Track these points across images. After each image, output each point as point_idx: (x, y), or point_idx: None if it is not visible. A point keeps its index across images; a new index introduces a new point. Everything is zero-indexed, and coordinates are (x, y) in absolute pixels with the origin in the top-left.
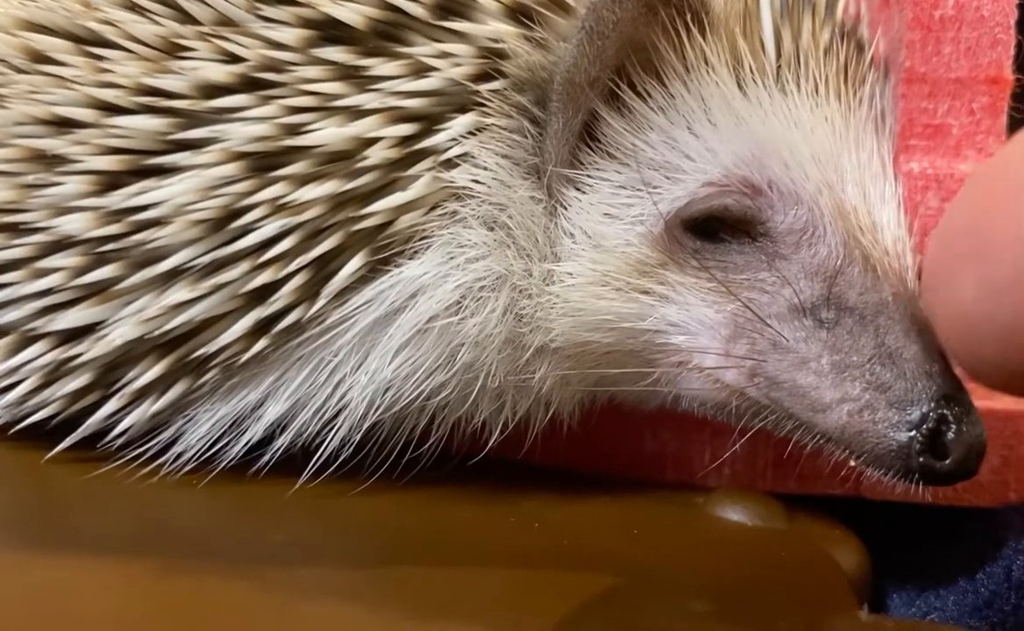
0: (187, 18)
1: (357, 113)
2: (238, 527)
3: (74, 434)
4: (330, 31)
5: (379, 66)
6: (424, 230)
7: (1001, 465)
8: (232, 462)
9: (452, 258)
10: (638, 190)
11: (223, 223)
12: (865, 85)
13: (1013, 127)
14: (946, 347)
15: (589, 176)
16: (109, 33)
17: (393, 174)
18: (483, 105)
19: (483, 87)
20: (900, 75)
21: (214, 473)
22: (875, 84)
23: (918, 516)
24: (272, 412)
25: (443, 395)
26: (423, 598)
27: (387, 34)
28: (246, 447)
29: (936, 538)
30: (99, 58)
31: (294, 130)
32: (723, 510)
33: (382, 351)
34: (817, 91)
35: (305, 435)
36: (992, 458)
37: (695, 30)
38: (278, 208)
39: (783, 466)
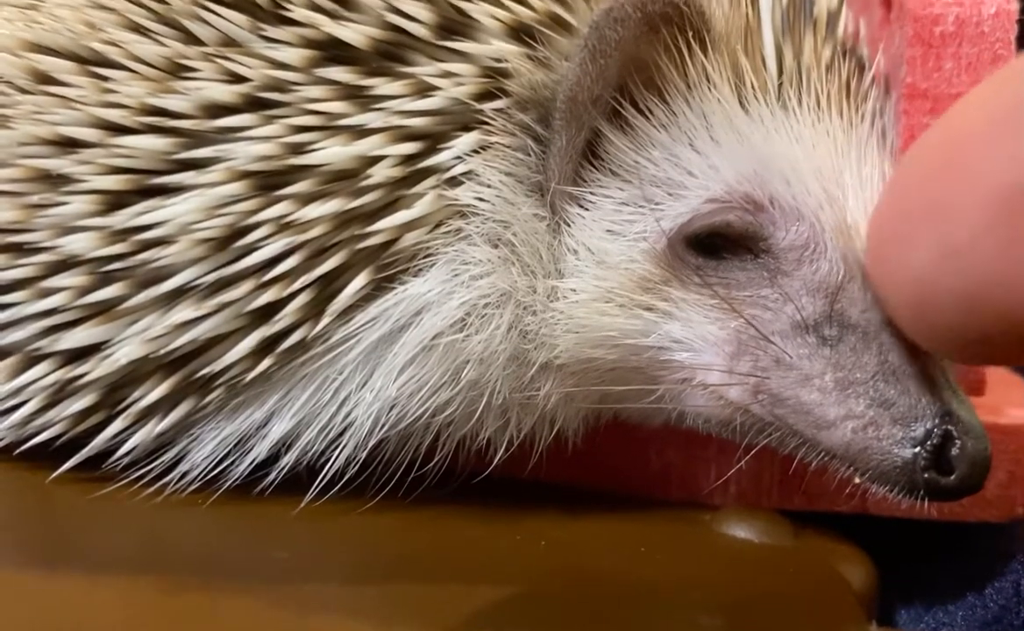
0: (191, 39)
1: (361, 132)
2: (243, 545)
3: (79, 454)
4: (333, 51)
5: (382, 86)
6: (428, 248)
7: (1008, 480)
8: (237, 481)
9: (457, 275)
10: (641, 207)
11: (228, 242)
12: (867, 102)
13: None
14: (897, 319)
15: (592, 193)
16: (113, 54)
17: (397, 192)
18: (486, 123)
19: (486, 106)
20: (901, 91)
21: (219, 492)
22: (877, 101)
23: (925, 531)
24: (277, 431)
25: (448, 412)
26: (429, 616)
27: (390, 54)
28: (251, 466)
29: (944, 553)
30: (103, 78)
31: (298, 149)
32: (730, 527)
33: (387, 369)
34: (819, 107)
35: (310, 454)
36: (998, 473)
37: (697, 48)
38: (283, 227)
39: (789, 483)
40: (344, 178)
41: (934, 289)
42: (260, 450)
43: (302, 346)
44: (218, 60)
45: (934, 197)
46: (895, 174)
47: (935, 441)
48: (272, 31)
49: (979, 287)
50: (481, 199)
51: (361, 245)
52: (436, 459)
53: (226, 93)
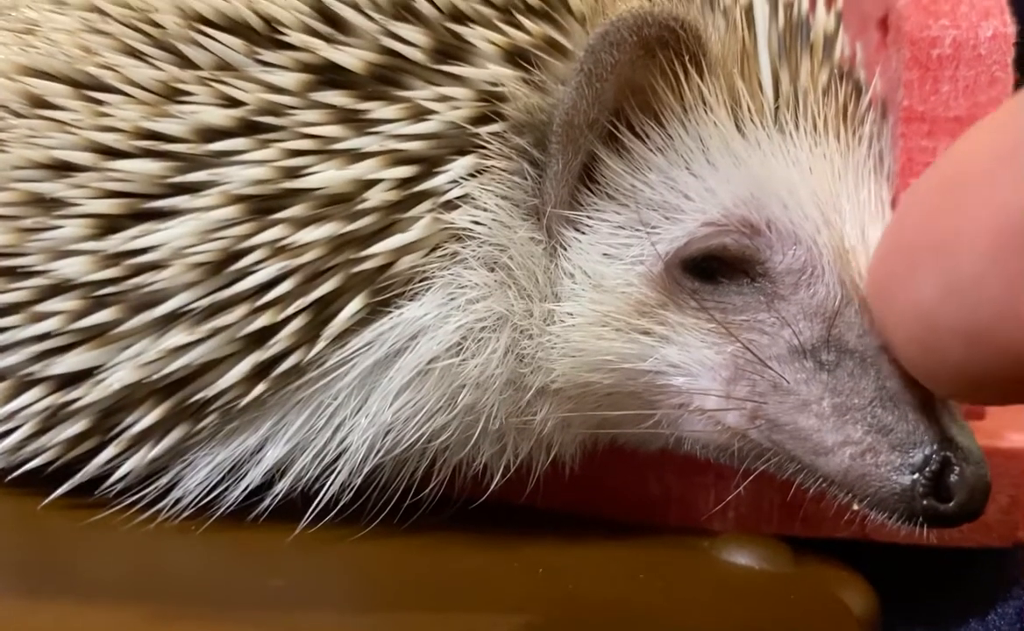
0: (186, 63)
1: (356, 156)
2: (237, 572)
3: (72, 480)
4: (329, 75)
5: (378, 109)
6: (424, 271)
7: (1009, 505)
8: (231, 507)
9: (453, 299)
10: (637, 230)
11: (222, 266)
12: (864, 125)
13: None
14: (901, 356)
15: (588, 217)
16: (108, 77)
17: (393, 216)
18: (483, 147)
19: (482, 129)
20: (899, 114)
21: (213, 519)
22: (874, 124)
23: (927, 557)
24: (271, 456)
25: (444, 437)
26: None
27: (386, 78)
28: (245, 492)
29: (946, 579)
30: (98, 102)
31: (293, 173)
32: (730, 554)
33: (382, 393)
34: (816, 131)
35: (305, 480)
36: (999, 498)
37: (693, 71)
38: (277, 251)
39: (789, 509)
40: (339, 202)
41: (938, 326)
42: (254, 476)
43: (296, 371)
44: (213, 84)
45: (938, 233)
46: (898, 210)
47: (933, 467)
48: (268, 55)
49: (984, 323)
50: (477, 223)
51: (356, 269)
52: (432, 485)
53: (221, 117)
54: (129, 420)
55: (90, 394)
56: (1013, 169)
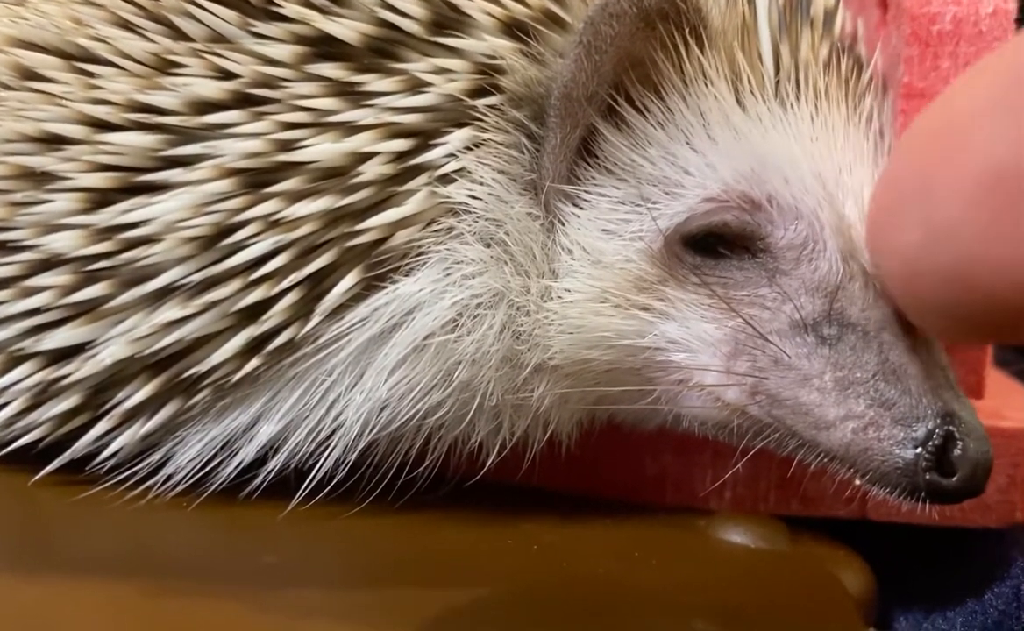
0: (179, 35)
1: (351, 129)
2: (230, 549)
3: (63, 456)
4: (324, 47)
5: (374, 82)
6: (420, 246)
7: (1008, 484)
8: (224, 484)
9: (449, 274)
10: (637, 206)
11: (215, 240)
12: (864, 100)
13: None
14: (891, 293)
15: (587, 192)
16: (100, 50)
17: (388, 190)
18: (480, 120)
19: (479, 102)
20: (899, 91)
21: (205, 495)
22: (874, 100)
23: (924, 536)
24: (265, 433)
25: (440, 414)
26: (419, 621)
27: (382, 50)
28: (238, 469)
29: (942, 559)
30: (90, 75)
31: (287, 146)
32: (726, 532)
33: (377, 369)
34: (816, 105)
35: (299, 456)
36: (998, 477)
37: (693, 44)
38: (271, 225)
39: (786, 488)
40: (334, 175)
41: (922, 267)
42: (247, 453)
43: (291, 346)
44: (207, 56)
45: (921, 176)
46: (895, 149)
47: (937, 442)
48: (262, 27)
49: (965, 266)
50: (474, 197)
51: (351, 243)
52: (427, 463)
53: (215, 89)
54: (121, 396)
55: (82, 370)
56: (994, 114)
